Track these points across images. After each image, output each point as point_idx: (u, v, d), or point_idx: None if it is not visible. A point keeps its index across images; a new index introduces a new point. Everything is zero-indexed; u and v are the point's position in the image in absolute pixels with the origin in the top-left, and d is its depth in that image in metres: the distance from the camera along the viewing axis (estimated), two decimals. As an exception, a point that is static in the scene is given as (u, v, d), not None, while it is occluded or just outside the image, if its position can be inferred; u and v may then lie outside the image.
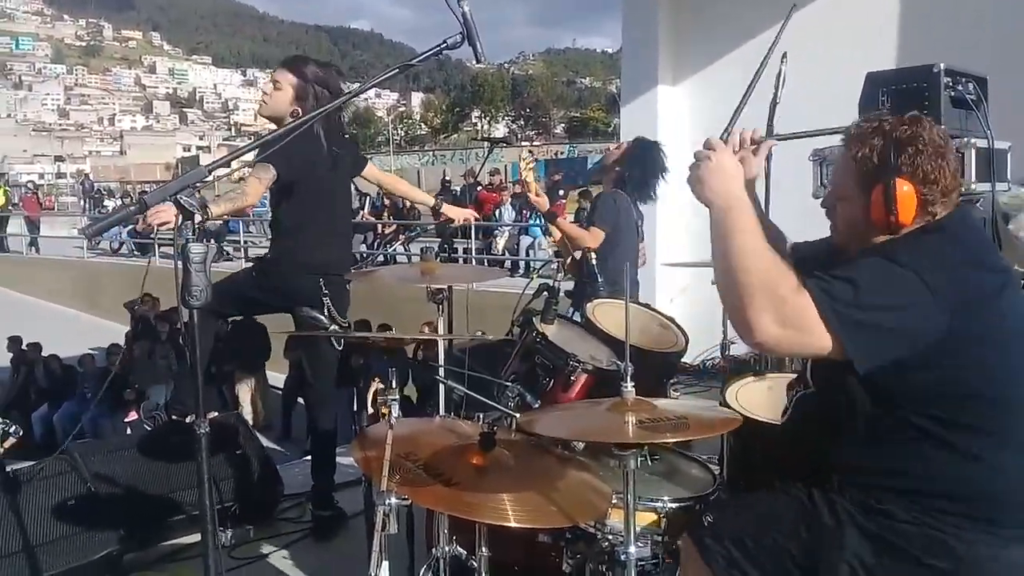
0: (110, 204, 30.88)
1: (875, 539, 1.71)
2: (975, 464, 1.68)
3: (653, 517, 2.35)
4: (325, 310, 3.38)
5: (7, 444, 10.20)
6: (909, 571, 1.70)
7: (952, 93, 3.24)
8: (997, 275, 1.74)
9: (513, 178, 22.31)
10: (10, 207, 23.24)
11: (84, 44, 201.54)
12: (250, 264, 3.61)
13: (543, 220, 13.48)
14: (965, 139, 3.23)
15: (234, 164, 2.50)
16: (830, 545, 1.74)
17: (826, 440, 1.82)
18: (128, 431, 9.19)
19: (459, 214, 4.08)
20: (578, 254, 4.65)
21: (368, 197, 16.27)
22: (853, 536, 1.73)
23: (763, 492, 2.03)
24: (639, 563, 1.98)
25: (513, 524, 1.83)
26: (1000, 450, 1.69)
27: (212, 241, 14.48)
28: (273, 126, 3.53)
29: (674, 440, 2.23)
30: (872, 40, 5.47)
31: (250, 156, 2.89)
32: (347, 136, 3.83)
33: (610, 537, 2.27)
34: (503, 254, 14.18)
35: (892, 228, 1.75)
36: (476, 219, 4.41)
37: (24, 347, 11.87)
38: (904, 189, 1.72)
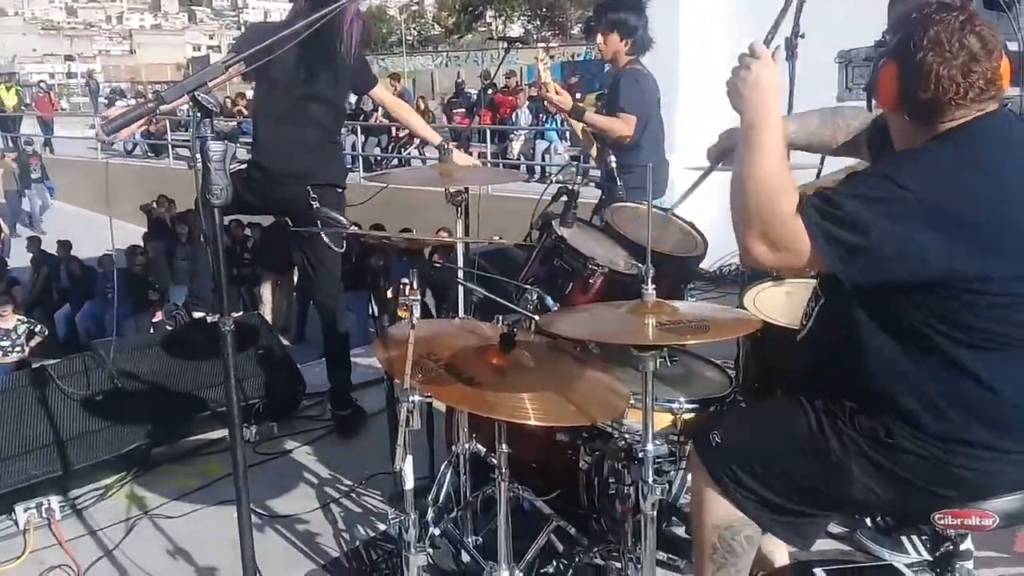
0: (122, 104, 30.57)
1: (883, 471, 1.72)
2: (983, 382, 1.65)
3: (669, 418, 2.40)
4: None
5: (32, 343, 10.35)
6: (919, 498, 1.73)
7: (986, -8, 3.13)
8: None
9: (529, 80, 21.86)
10: (23, 107, 22.98)
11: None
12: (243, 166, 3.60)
13: (562, 121, 13.39)
14: (998, 41, 3.13)
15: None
16: (839, 475, 1.76)
17: (840, 355, 1.79)
18: (151, 331, 9.34)
19: (466, 162, 3.87)
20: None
21: (382, 99, 15.99)
22: (861, 467, 1.74)
23: (773, 409, 2.04)
24: (656, 460, 2.02)
25: (532, 422, 1.87)
26: (1012, 368, 1.66)
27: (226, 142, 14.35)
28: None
29: (694, 342, 2.24)
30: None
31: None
32: (348, 56, 3.55)
33: (627, 436, 2.32)
34: (519, 159, 14.00)
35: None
36: (477, 167, 4.28)
37: (44, 248, 11.99)
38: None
